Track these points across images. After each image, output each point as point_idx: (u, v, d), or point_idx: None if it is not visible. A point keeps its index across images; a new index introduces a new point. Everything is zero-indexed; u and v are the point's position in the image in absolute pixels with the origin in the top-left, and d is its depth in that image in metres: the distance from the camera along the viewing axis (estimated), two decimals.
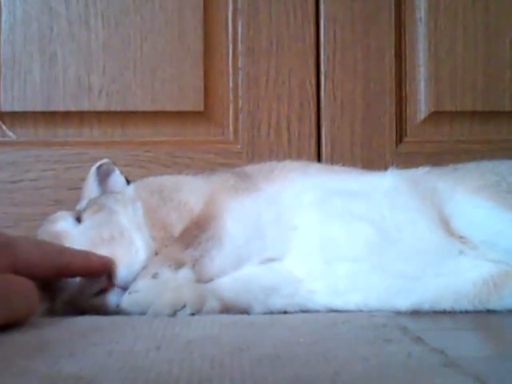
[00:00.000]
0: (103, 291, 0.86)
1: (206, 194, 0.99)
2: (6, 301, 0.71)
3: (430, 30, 1.31)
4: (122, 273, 0.87)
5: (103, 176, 1.09)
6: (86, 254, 0.87)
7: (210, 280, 0.88)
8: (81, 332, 0.69)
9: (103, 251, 0.89)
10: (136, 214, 0.97)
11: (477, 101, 1.32)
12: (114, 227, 0.93)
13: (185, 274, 0.85)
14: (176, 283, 0.83)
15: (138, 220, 0.96)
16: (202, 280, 0.86)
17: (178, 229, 0.95)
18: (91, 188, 1.07)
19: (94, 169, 1.09)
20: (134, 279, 0.85)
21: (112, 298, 0.86)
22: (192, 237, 0.91)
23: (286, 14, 1.29)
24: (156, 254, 0.92)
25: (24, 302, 0.75)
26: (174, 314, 0.78)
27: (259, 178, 1.03)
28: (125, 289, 0.85)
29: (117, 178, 1.09)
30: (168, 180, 1.06)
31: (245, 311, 0.85)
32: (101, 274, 0.86)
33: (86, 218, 0.95)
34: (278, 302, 0.89)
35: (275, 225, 0.95)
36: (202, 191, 1.00)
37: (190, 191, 1.01)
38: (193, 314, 0.79)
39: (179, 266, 0.86)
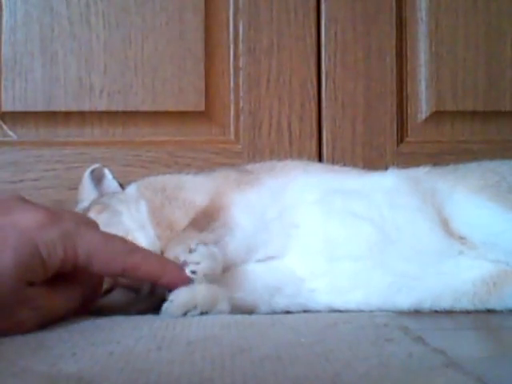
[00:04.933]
0: (109, 291, 0.86)
1: (211, 191, 0.99)
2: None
3: (431, 30, 1.31)
4: None
5: (97, 180, 1.09)
6: (162, 262, 0.80)
7: (226, 266, 0.86)
8: (81, 332, 0.69)
9: None
10: (140, 213, 0.98)
11: (478, 101, 1.32)
12: (118, 228, 0.93)
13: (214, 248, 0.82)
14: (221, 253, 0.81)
15: (141, 219, 0.97)
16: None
17: (183, 227, 0.95)
18: (88, 190, 1.08)
19: (87, 173, 1.10)
20: None
21: (117, 297, 0.86)
22: (204, 223, 0.90)
23: (287, 13, 1.28)
24: (162, 253, 0.92)
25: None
26: (185, 314, 0.78)
27: (261, 173, 1.03)
28: (129, 288, 0.85)
29: (110, 183, 1.10)
30: (170, 179, 1.06)
31: (251, 311, 0.85)
32: (172, 286, 0.78)
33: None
34: (281, 302, 0.89)
35: (277, 221, 0.95)
36: (205, 189, 1.00)
37: (194, 189, 1.01)
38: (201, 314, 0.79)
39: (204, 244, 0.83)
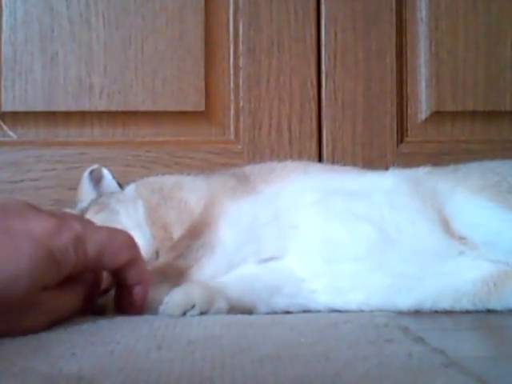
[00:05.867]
0: (107, 291, 0.86)
1: (206, 196, 0.99)
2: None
3: (431, 30, 1.31)
4: None
5: (96, 180, 1.09)
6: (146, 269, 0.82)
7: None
8: (81, 332, 0.69)
9: None
10: (137, 212, 0.98)
11: (478, 101, 1.32)
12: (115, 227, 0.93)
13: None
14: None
15: (138, 219, 0.97)
16: None
17: (176, 229, 0.95)
18: (87, 191, 1.08)
19: (86, 174, 1.09)
20: None
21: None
22: (184, 246, 0.91)
23: (287, 14, 1.28)
24: (157, 252, 0.92)
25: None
26: (183, 314, 0.78)
27: (258, 180, 1.03)
28: None
29: (109, 183, 1.10)
30: (168, 179, 1.06)
31: (250, 311, 0.85)
32: (140, 296, 0.79)
33: (89, 218, 0.96)
34: (280, 302, 0.89)
35: (273, 225, 0.95)
36: (202, 192, 1.00)
37: (191, 191, 1.01)
38: (200, 314, 0.79)
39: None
